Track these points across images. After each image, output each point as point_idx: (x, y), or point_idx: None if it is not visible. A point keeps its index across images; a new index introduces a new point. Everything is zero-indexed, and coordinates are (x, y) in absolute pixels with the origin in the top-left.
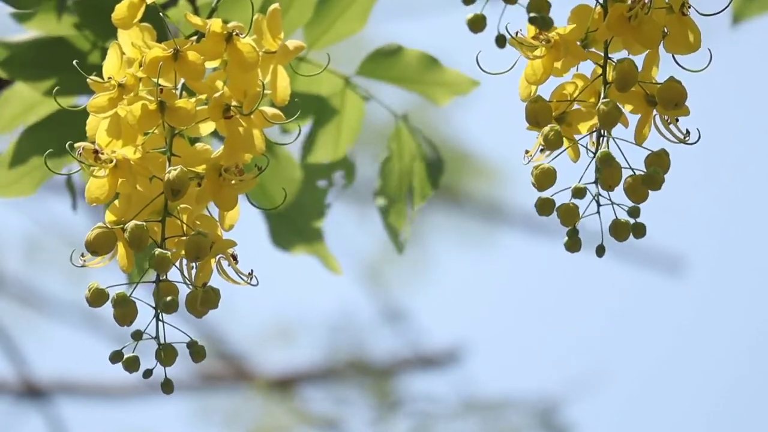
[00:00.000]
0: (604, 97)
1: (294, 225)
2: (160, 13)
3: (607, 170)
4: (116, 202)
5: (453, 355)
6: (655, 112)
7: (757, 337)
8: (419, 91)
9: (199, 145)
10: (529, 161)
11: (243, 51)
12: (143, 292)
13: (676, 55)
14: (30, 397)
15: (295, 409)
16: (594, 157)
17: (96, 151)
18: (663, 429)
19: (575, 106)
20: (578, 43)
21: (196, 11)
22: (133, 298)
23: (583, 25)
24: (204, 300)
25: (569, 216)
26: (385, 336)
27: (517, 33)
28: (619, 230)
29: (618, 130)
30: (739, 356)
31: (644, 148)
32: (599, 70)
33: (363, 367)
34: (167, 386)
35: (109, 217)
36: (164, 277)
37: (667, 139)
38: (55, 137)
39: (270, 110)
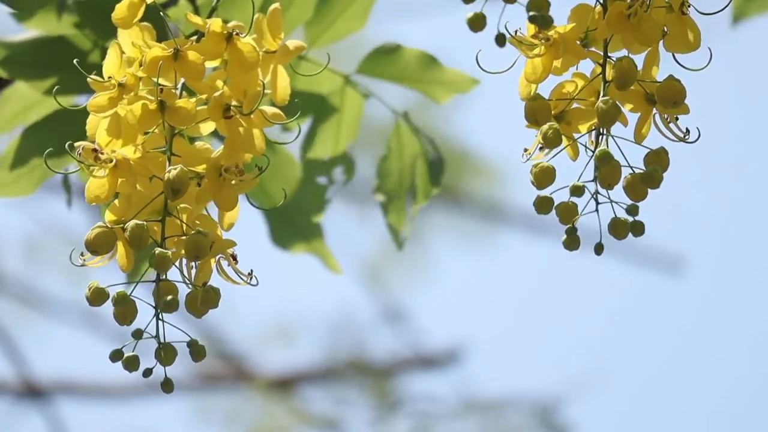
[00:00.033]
0: (604, 96)
1: (293, 223)
2: (161, 13)
3: (605, 168)
4: (116, 201)
5: (453, 355)
6: (654, 111)
7: (757, 337)
8: (419, 89)
9: (199, 144)
10: (528, 159)
11: (243, 51)
12: (142, 292)
13: (676, 54)
14: (30, 397)
15: (295, 409)
16: (593, 155)
17: (95, 151)
18: (663, 429)
19: (575, 104)
20: (578, 42)
21: (196, 10)
22: (133, 297)
23: (582, 23)
24: (204, 299)
25: (568, 214)
26: (385, 336)
27: (516, 32)
28: (617, 229)
29: (618, 128)
30: (738, 356)
31: (644, 146)
32: (599, 69)
33: (363, 367)
34: (167, 385)
35: (109, 216)
36: (164, 276)
37: (666, 137)
38: (54, 137)
39: (270, 110)
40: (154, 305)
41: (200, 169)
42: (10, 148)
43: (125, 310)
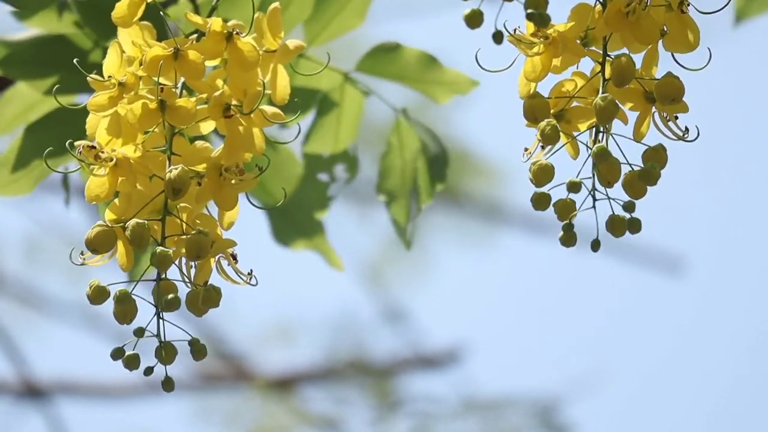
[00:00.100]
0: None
1: (294, 220)
2: (161, 12)
3: (604, 165)
4: (116, 200)
5: (453, 355)
6: (654, 109)
7: (757, 337)
8: (419, 89)
9: (199, 143)
10: (529, 159)
11: (243, 50)
12: (142, 292)
13: (675, 54)
14: (30, 397)
15: (295, 409)
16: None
17: (93, 147)
18: (663, 429)
19: (574, 103)
20: (578, 41)
21: (196, 9)
22: (134, 296)
23: (582, 22)
24: (205, 299)
25: (565, 211)
26: (385, 336)
27: (515, 30)
28: (615, 226)
29: (618, 127)
30: (739, 356)
31: (644, 144)
32: (599, 68)
33: (363, 367)
34: (168, 384)
35: (109, 215)
36: (164, 275)
37: (666, 136)
38: (55, 136)
39: (270, 109)
40: (155, 304)
41: (200, 168)
42: (11, 147)
43: (126, 308)
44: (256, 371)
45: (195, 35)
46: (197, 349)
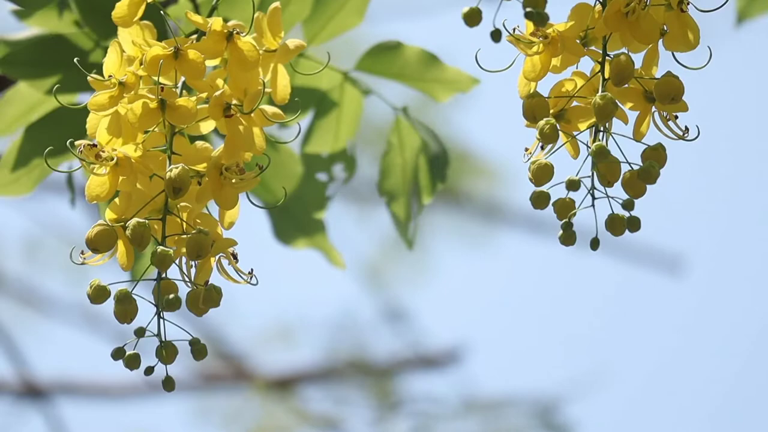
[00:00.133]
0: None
1: (295, 219)
2: (161, 12)
3: (603, 164)
4: (116, 200)
5: (453, 355)
6: (654, 109)
7: (757, 336)
8: (419, 87)
9: (199, 143)
10: (529, 159)
11: (243, 50)
12: (143, 292)
13: (675, 53)
14: (30, 397)
15: (295, 409)
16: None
17: (94, 146)
18: (663, 428)
19: (574, 103)
20: (578, 41)
21: (196, 9)
22: (134, 295)
23: (582, 22)
24: (206, 298)
25: (564, 210)
26: (386, 336)
27: (514, 30)
28: (614, 225)
29: (618, 127)
30: (738, 355)
31: (644, 143)
32: (598, 68)
33: (363, 367)
34: (168, 384)
35: (110, 214)
36: (165, 275)
37: (666, 135)
38: (55, 135)
39: (270, 109)
40: (155, 303)
41: (201, 167)
42: (12, 147)
43: (126, 308)
44: (256, 371)
45: (195, 35)
46: (198, 349)
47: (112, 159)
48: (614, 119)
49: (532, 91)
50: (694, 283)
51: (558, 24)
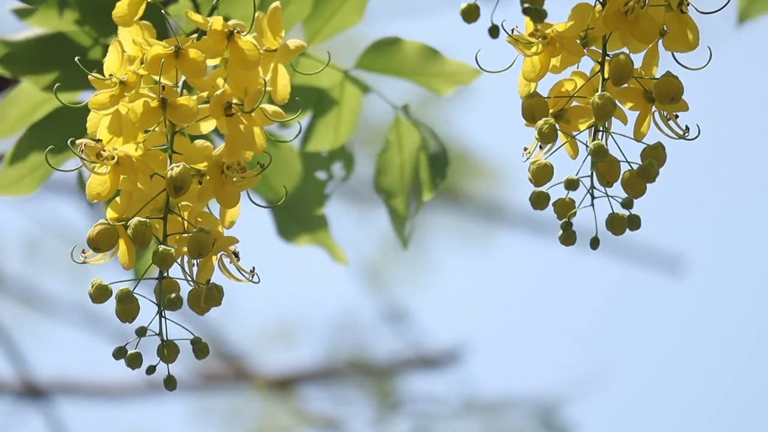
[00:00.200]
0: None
1: (297, 216)
2: (162, 11)
3: (602, 164)
4: (117, 199)
5: (453, 355)
6: (654, 108)
7: (757, 336)
8: (420, 82)
9: (199, 142)
10: (528, 159)
11: (244, 49)
12: (144, 291)
13: (675, 53)
14: (30, 397)
15: (295, 409)
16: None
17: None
18: (663, 428)
19: (574, 103)
20: (577, 41)
21: (197, 8)
22: (136, 295)
23: (582, 22)
24: (208, 297)
25: (564, 209)
26: (386, 336)
27: (513, 30)
28: (615, 224)
29: (618, 127)
30: (738, 355)
31: (644, 143)
32: (598, 68)
33: (363, 367)
34: (170, 383)
35: (111, 214)
36: (166, 274)
37: (666, 135)
38: (58, 135)
39: (271, 108)
40: (157, 303)
41: (201, 166)
42: (15, 148)
43: (128, 307)
44: (257, 371)
45: (196, 34)
46: (199, 348)
47: (113, 158)
48: (614, 119)
49: (531, 91)
50: (694, 283)
51: (557, 24)
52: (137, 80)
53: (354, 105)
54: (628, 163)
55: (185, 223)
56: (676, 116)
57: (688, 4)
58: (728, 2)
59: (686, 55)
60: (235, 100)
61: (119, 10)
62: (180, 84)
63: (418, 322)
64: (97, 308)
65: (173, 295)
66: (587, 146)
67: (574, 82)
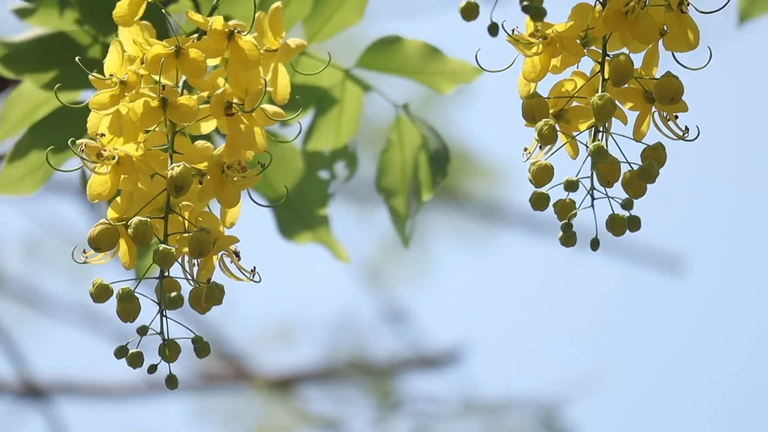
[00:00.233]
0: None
1: (298, 214)
2: (162, 10)
3: (603, 166)
4: (118, 199)
5: (454, 355)
6: (654, 109)
7: (757, 336)
8: (421, 80)
9: (200, 142)
10: (528, 159)
11: (245, 49)
12: (144, 290)
13: (676, 53)
14: (30, 397)
15: (295, 409)
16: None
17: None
18: (663, 428)
19: (574, 103)
20: (577, 41)
21: (197, 8)
22: (136, 294)
23: (582, 22)
24: (209, 296)
25: (564, 210)
26: (386, 336)
27: (513, 30)
28: (615, 225)
29: (618, 127)
30: (739, 356)
31: (644, 143)
32: (598, 68)
33: (363, 367)
34: (171, 382)
35: (111, 213)
36: (167, 273)
37: (666, 135)
38: (59, 135)
39: (271, 108)
40: (158, 302)
41: (202, 166)
42: (16, 147)
43: (129, 307)
44: (257, 371)
45: (196, 34)
46: (201, 347)
47: (114, 158)
48: (614, 119)
49: (531, 92)
50: (694, 283)
51: (557, 24)
52: (138, 80)
53: (355, 104)
54: (629, 163)
55: (186, 222)
56: (676, 117)
57: (688, 4)
58: (728, 2)
59: (686, 55)
60: (235, 100)
61: (119, 10)
62: (180, 84)
63: (418, 322)
64: (97, 308)
65: (174, 295)
66: (587, 147)
67: (574, 82)
